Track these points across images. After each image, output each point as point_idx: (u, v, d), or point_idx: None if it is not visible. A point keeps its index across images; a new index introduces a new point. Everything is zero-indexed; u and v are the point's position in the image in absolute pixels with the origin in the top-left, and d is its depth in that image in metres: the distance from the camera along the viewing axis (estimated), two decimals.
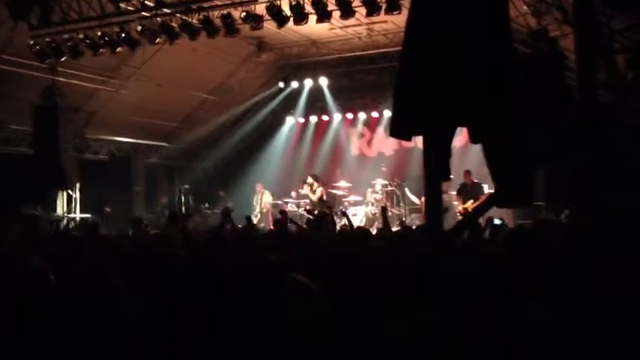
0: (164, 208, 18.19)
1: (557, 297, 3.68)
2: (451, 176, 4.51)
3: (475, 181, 14.74)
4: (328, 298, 3.23)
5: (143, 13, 12.33)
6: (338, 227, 10.72)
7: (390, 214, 15.26)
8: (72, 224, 15.63)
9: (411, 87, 4.11)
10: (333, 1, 11.55)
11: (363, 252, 5.38)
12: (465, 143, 11.96)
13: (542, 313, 3.45)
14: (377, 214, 15.64)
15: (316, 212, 13.30)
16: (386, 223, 10.01)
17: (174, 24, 12.41)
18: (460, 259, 4.65)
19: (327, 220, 9.72)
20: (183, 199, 17.28)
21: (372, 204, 16.29)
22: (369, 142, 19.71)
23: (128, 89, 16.55)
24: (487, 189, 14.03)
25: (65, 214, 15.91)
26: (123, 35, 12.63)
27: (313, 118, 20.16)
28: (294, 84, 19.44)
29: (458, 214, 14.08)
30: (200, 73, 17.41)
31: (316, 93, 19.42)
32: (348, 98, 19.31)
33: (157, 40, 12.67)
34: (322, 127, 20.15)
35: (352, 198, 17.26)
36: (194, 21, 12.34)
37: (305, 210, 15.62)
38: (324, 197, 16.52)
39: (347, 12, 11.66)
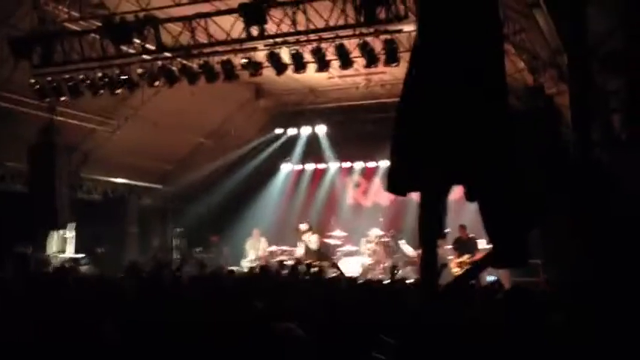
0: (156, 251, 18.00)
1: None
2: (447, 230, 4.48)
3: (470, 235, 14.67)
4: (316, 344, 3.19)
5: (144, 56, 12.43)
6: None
7: (384, 264, 15.12)
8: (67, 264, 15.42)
9: (408, 144, 4.10)
10: (333, 51, 11.67)
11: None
12: (459, 197, 11.90)
13: None
14: (371, 265, 15.47)
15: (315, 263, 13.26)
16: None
17: (174, 67, 12.50)
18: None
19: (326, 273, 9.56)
20: (175, 243, 17.10)
21: (368, 255, 16.09)
22: (365, 192, 19.66)
23: (125, 130, 16.54)
24: (482, 244, 13.93)
25: (55, 254, 15.72)
26: (122, 77, 12.70)
27: (309, 166, 20.17)
28: (291, 131, 19.50)
29: (453, 268, 13.99)
30: (197, 116, 17.46)
31: (313, 140, 19.47)
32: (345, 147, 19.31)
33: (156, 83, 12.74)
34: (318, 175, 20.14)
35: (347, 248, 17.02)
36: (194, 66, 12.43)
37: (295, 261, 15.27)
38: (321, 247, 16.33)
39: (346, 62, 11.78)
